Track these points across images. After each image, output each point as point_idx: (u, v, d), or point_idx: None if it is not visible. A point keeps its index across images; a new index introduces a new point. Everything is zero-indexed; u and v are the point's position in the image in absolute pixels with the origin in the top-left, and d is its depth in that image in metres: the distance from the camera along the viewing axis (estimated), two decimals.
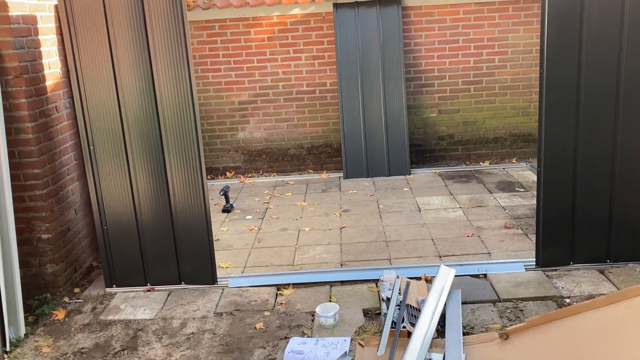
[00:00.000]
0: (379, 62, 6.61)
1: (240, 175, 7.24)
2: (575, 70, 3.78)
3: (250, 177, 7.19)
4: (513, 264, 4.19)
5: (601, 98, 3.82)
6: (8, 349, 3.58)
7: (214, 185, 6.82)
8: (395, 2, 6.57)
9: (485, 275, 4.11)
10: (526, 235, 4.77)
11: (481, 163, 7.08)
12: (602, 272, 4.02)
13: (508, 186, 6.09)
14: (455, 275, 3.87)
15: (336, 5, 6.58)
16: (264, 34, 6.83)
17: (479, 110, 7.06)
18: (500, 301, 3.76)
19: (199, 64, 6.93)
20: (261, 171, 7.31)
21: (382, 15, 6.57)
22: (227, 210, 5.93)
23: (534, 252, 4.21)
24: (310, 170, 7.25)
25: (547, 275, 4.03)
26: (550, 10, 3.69)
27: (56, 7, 4.33)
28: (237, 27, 6.80)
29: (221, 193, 5.98)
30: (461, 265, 4.22)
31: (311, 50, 6.89)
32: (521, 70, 6.90)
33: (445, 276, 3.74)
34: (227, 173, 7.31)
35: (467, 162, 7.15)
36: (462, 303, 3.72)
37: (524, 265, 4.17)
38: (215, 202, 6.19)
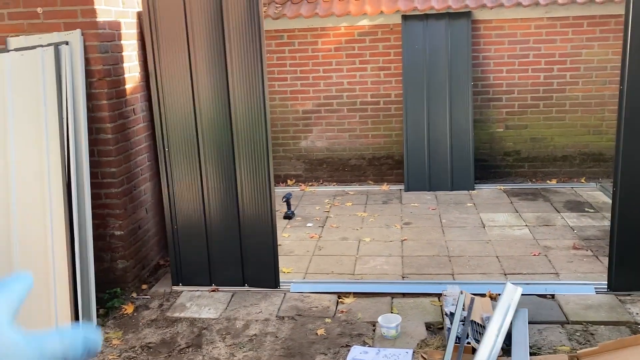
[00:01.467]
0: (445, 75, 6.56)
1: (300, 183, 7.31)
2: None
3: (311, 185, 7.25)
4: (583, 286, 4.05)
5: None
6: None
7: (276, 192, 6.90)
8: (464, 16, 6.51)
9: (552, 296, 3.98)
10: (596, 257, 4.60)
11: (548, 181, 6.88)
12: None
13: (577, 206, 5.89)
14: (522, 294, 3.77)
15: (404, 18, 6.58)
16: (331, 44, 6.91)
17: (547, 127, 6.87)
18: (569, 323, 3.64)
19: (267, 72, 7.05)
20: (321, 180, 7.36)
21: (450, 28, 6.53)
22: (288, 217, 6.00)
23: (605, 275, 4.06)
24: (371, 182, 7.25)
25: (619, 300, 3.87)
26: (634, 23, 3.57)
27: (139, 14, 4.54)
28: (305, 37, 6.91)
29: (283, 200, 6.06)
30: (528, 284, 4.11)
31: (377, 62, 6.91)
32: (594, 87, 6.68)
33: (512, 294, 3.65)
34: (288, 180, 7.40)
35: (534, 180, 6.96)
36: (529, 323, 3.62)
37: (595, 288, 4.02)
38: (277, 209, 6.26)
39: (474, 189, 6.60)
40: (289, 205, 6.06)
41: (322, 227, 5.70)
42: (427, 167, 6.70)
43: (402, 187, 6.90)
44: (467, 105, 6.56)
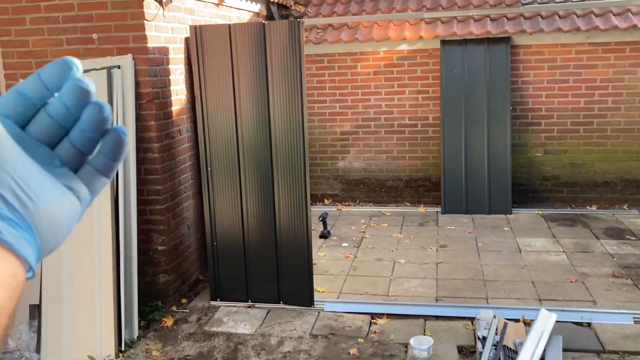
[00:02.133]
0: (484, 99, 6.59)
1: (337, 203, 7.41)
2: None
3: (347, 205, 7.34)
4: (621, 315, 4.00)
5: None
6: (123, 348, 3.90)
7: (312, 211, 6.99)
8: (504, 41, 6.54)
9: (589, 324, 3.95)
10: (636, 286, 4.52)
11: (588, 207, 6.78)
12: None
13: (617, 233, 5.80)
14: (557, 321, 3.75)
15: (443, 42, 6.66)
16: (370, 68, 7.04)
17: (588, 153, 6.80)
18: (605, 352, 3.60)
19: (307, 95, 7.22)
20: (358, 200, 7.44)
21: (489, 52, 6.57)
22: (324, 236, 6.09)
23: None
24: (407, 203, 7.29)
25: None
26: None
27: (187, 39, 4.76)
28: (344, 61, 7.06)
29: (320, 219, 6.17)
30: (563, 311, 4.08)
31: (415, 85, 6.99)
32: (637, 112, 6.59)
33: (546, 320, 3.64)
34: (325, 200, 7.51)
35: (573, 205, 6.87)
36: (563, 350, 3.60)
37: (633, 317, 3.96)
38: (313, 228, 6.36)
39: (511, 213, 6.57)
40: (325, 224, 6.16)
41: (358, 247, 5.77)
42: (464, 190, 6.71)
43: (438, 209, 6.92)
44: (506, 129, 6.56)
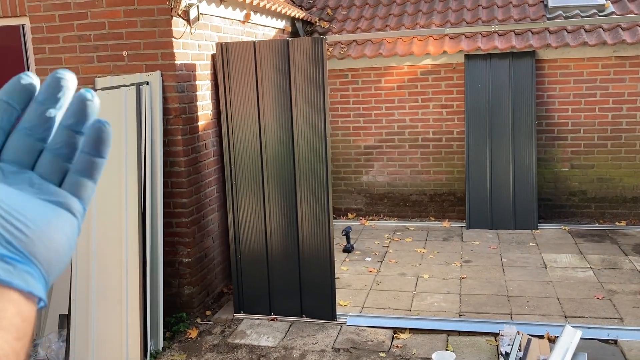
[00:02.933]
0: (509, 113, 6.56)
1: (361, 217, 7.43)
2: None
3: (371, 219, 7.35)
4: None
5: None
6: (148, 358, 3.97)
7: (336, 226, 7.03)
8: (529, 55, 6.52)
9: (615, 342, 3.88)
10: None
11: (617, 223, 6.67)
12: None
13: None
14: (582, 338, 3.70)
15: (468, 57, 6.67)
16: (393, 83, 7.08)
17: (616, 167, 6.70)
18: None
19: (331, 109, 7.30)
20: (382, 215, 7.45)
21: (514, 67, 6.55)
22: (347, 250, 6.11)
23: None
24: (432, 218, 7.26)
25: None
26: None
27: (213, 56, 4.88)
28: (368, 75, 7.11)
29: (343, 233, 6.19)
30: (589, 328, 4.02)
31: (440, 99, 7.00)
32: None
33: (571, 337, 3.59)
34: (349, 214, 7.53)
35: (601, 221, 6.77)
36: None
37: None
38: (337, 242, 6.39)
39: (537, 229, 6.49)
40: (348, 238, 6.18)
41: (381, 261, 5.77)
42: (489, 205, 6.66)
43: (463, 224, 6.88)
44: (531, 144, 6.52)
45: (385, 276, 5.36)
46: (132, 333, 3.94)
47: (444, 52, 6.67)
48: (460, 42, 6.70)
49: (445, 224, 6.97)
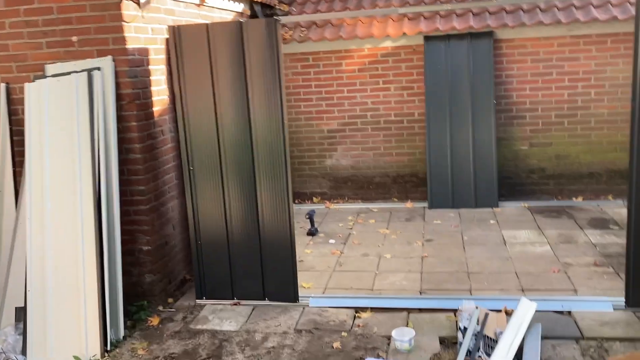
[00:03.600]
0: (468, 94, 6.63)
1: (326, 201, 7.45)
2: None
3: (336, 203, 7.37)
4: (600, 303, 4.04)
5: None
6: (109, 348, 3.93)
7: (301, 209, 7.06)
8: (487, 35, 6.59)
9: (569, 312, 3.99)
10: (617, 274, 4.57)
11: (574, 198, 6.83)
12: None
13: (601, 223, 5.85)
14: (538, 311, 3.79)
15: (427, 38, 6.70)
16: (354, 66, 7.07)
17: (573, 144, 6.85)
18: (583, 339, 3.65)
19: (293, 93, 7.27)
20: (346, 198, 7.48)
21: (472, 47, 6.61)
22: (311, 233, 6.13)
23: (624, 292, 4.04)
24: (395, 199, 7.33)
25: (637, 317, 3.85)
26: None
27: (167, 40, 4.79)
28: (329, 59, 7.09)
29: (307, 217, 6.20)
30: (544, 300, 4.12)
31: (400, 81, 7.04)
32: (620, 104, 6.64)
33: (526, 310, 3.68)
34: (314, 198, 7.54)
35: (559, 197, 6.93)
36: (543, 338, 3.64)
37: (613, 305, 4.00)
38: (301, 226, 6.42)
39: (498, 207, 6.61)
40: (312, 222, 6.19)
41: (345, 243, 5.81)
42: (451, 185, 6.75)
43: (426, 204, 6.96)
44: (490, 124, 6.61)
45: (349, 257, 5.40)
46: (90, 323, 3.89)
47: (404, 33, 6.69)
48: (419, 24, 6.72)
49: (408, 204, 7.05)
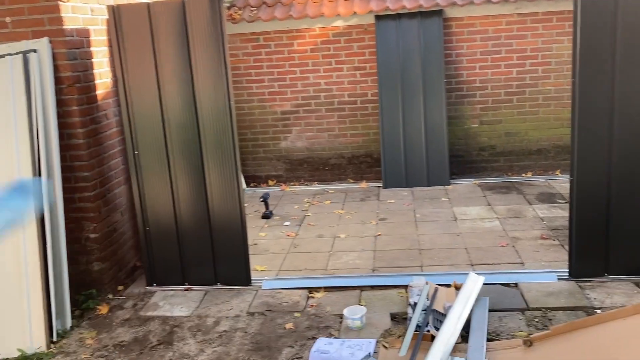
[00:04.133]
0: (419, 73, 6.67)
1: (281, 184, 7.41)
2: (609, 79, 3.75)
3: (292, 185, 7.35)
4: (545, 274, 4.16)
5: (636, 109, 3.76)
6: (55, 339, 3.82)
7: (256, 193, 7.01)
8: (436, 14, 6.62)
9: (516, 285, 4.09)
10: (562, 246, 4.71)
11: (523, 174, 6.99)
12: (637, 284, 3.94)
13: (548, 198, 6.01)
14: (486, 284, 3.87)
15: (377, 17, 6.69)
16: (306, 46, 7.01)
17: (521, 122, 6.99)
18: (529, 310, 3.75)
19: (244, 74, 7.17)
20: (302, 180, 7.46)
21: (423, 26, 6.63)
22: (266, 216, 6.09)
23: (567, 263, 4.16)
24: (351, 180, 7.35)
25: (579, 286, 3.98)
26: (582, 17, 3.68)
27: (107, 20, 4.62)
28: (280, 39, 7.01)
29: (261, 200, 6.16)
30: (492, 273, 4.21)
31: (353, 62, 7.01)
32: (565, 81, 6.80)
33: (474, 283, 3.75)
34: (269, 181, 7.49)
35: (509, 174, 7.07)
36: (490, 310, 3.72)
37: (557, 276, 4.12)
38: (256, 209, 6.38)
39: (449, 184, 6.71)
40: (266, 205, 6.15)
41: (300, 225, 5.79)
42: (404, 164, 6.81)
43: (380, 184, 7.01)
44: (441, 103, 6.67)
45: (303, 239, 5.40)
46: (35, 314, 3.78)
47: (354, 12, 6.66)
48: (370, 2, 6.70)
49: (363, 185, 7.08)
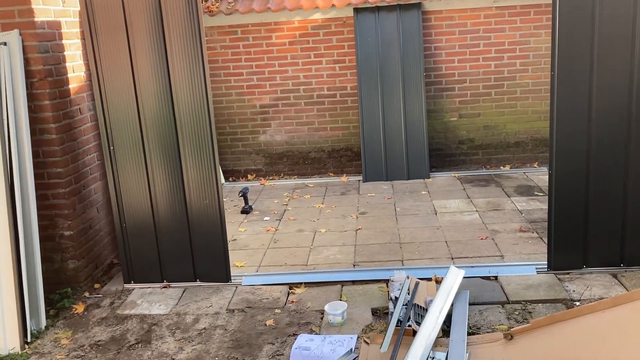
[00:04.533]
0: (398, 66, 6.65)
1: (261, 178, 7.35)
2: (587, 72, 3.76)
3: (271, 179, 7.29)
4: (525, 267, 4.18)
5: (614, 102, 3.79)
6: (29, 339, 3.73)
7: (235, 187, 6.94)
8: (415, 7, 6.60)
9: (496, 277, 4.11)
10: (541, 238, 4.74)
11: (502, 167, 7.04)
12: (615, 276, 3.98)
13: (527, 190, 6.05)
14: (466, 277, 3.88)
15: (356, 10, 6.65)
16: (285, 39, 6.94)
17: (500, 115, 7.02)
18: (509, 303, 3.76)
19: (222, 67, 7.07)
20: (282, 174, 7.41)
21: (402, 19, 6.61)
22: (245, 211, 6.03)
23: (546, 256, 4.19)
24: (331, 174, 7.32)
25: (558, 279, 4.01)
26: (561, 10, 3.68)
27: (80, 12, 4.50)
28: (259, 31, 6.93)
29: (240, 195, 6.09)
30: (472, 267, 4.23)
31: (332, 54, 6.97)
32: (543, 74, 6.84)
33: (455, 277, 3.75)
34: (249, 175, 7.42)
35: (488, 167, 7.11)
36: (471, 304, 3.73)
37: (536, 268, 4.15)
38: (235, 204, 6.31)
39: (429, 178, 6.72)
40: (246, 199, 6.09)
41: (279, 220, 5.75)
42: (384, 158, 6.79)
43: (360, 178, 6.99)
44: (421, 96, 6.66)
45: (283, 234, 5.35)
46: (8, 315, 3.67)
47: (333, 5, 6.60)
48: None
49: (344, 178, 7.05)
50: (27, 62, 4.00)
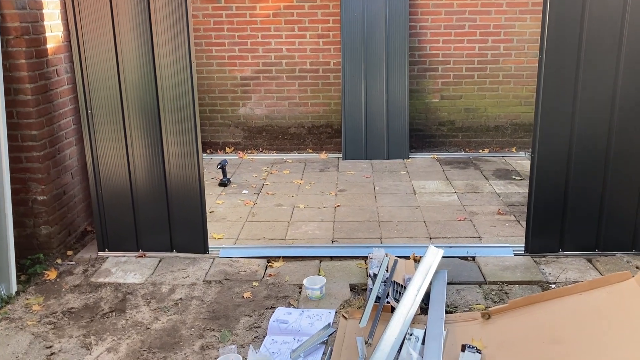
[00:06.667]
0: (383, 44, 6.59)
1: (239, 151, 7.26)
2: (575, 57, 3.77)
3: (250, 153, 7.21)
4: (502, 249, 4.22)
5: (599, 88, 3.81)
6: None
7: (213, 159, 6.85)
8: None
9: (473, 258, 4.14)
10: (518, 222, 4.79)
11: (481, 150, 7.08)
12: (589, 260, 4.05)
13: (505, 174, 6.10)
14: (444, 257, 3.90)
15: None
16: (269, 10, 6.81)
17: (481, 98, 7.04)
18: (486, 283, 3.80)
19: (204, 37, 6.92)
20: (261, 148, 7.33)
21: None
22: (223, 184, 5.96)
23: (524, 238, 4.23)
24: (310, 150, 7.27)
25: (535, 261, 4.06)
26: None
27: None
28: (242, 1, 6.78)
29: (218, 167, 6.01)
30: (450, 247, 4.25)
31: (316, 29, 6.87)
32: (526, 59, 6.87)
33: (433, 256, 3.76)
34: (227, 148, 7.33)
35: (467, 149, 7.15)
36: (449, 283, 3.76)
37: (513, 251, 4.19)
38: (213, 176, 6.23)
39: (408, 158, 6.73)
40: (224, 172, 6.01)
41: (258, 194, 5.69)
42: (364, 136, 6.77)
43: (340, 155, 6.96)
44: (404, 75, 6.63)
45: (262, 208, 5.31)
46: None
47: None
48: None
49: (323, 155, 7.01)
50: (2, 18, 3.83)
